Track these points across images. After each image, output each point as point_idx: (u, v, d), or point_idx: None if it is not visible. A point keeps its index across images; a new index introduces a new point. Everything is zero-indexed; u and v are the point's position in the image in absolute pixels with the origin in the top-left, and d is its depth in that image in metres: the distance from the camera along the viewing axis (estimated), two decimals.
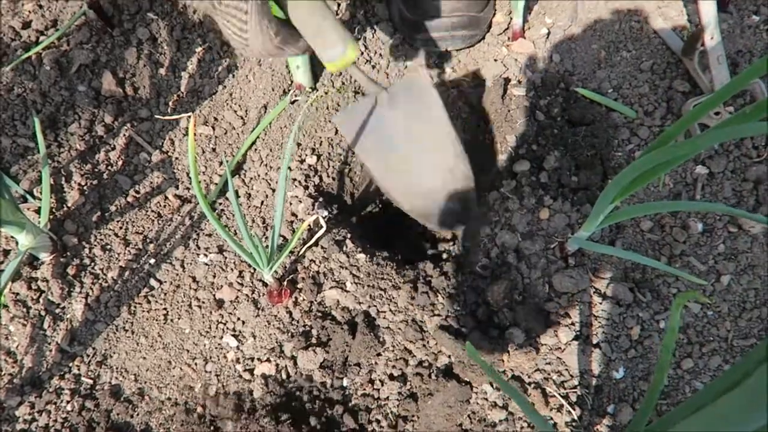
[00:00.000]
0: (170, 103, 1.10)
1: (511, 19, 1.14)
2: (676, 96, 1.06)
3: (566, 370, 0.88)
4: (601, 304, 0.91)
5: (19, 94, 1.06)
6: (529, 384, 0.87)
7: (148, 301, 0.95)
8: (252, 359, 0.91)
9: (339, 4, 1.15)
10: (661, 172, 0.70)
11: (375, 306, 0.92)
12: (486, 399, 0.87)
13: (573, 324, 0.90)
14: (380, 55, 1.16)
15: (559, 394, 0.86)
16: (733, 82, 0.60)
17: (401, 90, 0.88)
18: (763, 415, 0.41)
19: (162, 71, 1.12)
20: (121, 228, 1.00)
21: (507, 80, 1.11)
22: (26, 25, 1.12)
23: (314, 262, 0.96)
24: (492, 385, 0.87)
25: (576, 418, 0.85)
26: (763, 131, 0.54)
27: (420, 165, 0.91)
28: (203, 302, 0.95)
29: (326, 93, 1.11)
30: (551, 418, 0.85)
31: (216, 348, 0.92)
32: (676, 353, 0.91)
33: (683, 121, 0.67)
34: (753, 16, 1.12)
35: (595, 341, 0.90)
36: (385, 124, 0.89)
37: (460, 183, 0.92)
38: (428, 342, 0.90)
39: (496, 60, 1.14)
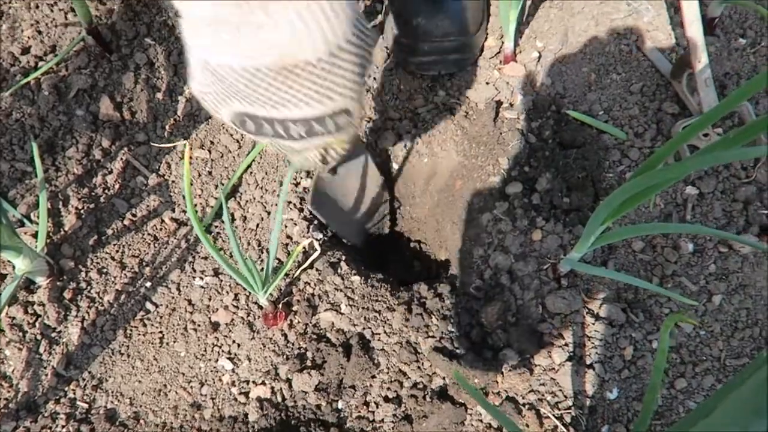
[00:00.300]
0: (167, 127, 1.12)
1: (503, 42, 1.16)
2: (666, 118, 1.08)
3: (560, 390, 0.89)
4: (593, 324, 0.92)
5: (18, 118, 1.08)
6: (524, 405, 0.88)
7: (144, 325, 0.96)
8: (247, 382, 0.91)
9: None
10: (649, 195, 0.71)
11: (370, 328, 0.93)
12: (481, 420, 0.87)
13: (566, 345, 0.91)
14: (374, 78, 1.17)
15: (554, 415, 0.87)
16: (720, 105, 0.61)
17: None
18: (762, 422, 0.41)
19: (159, 95, 1.14)
20: (117, 251, 1.01)
21: (499, 103, 1.13)
22: (25, 50, 1.14)
23: (309, 284, 0.97)
24: (485, 409, 0.87)
25: None
26: (744, 157, 0.56)
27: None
28: (199, 325, 0.96)
29: None
30: None
31: (211, 371, 0.92)
32: (669, 373, 0.92)
33: (672, 144, 0.68)
34: (740, 39, 1.15)
35: (588, 362, 0.91)
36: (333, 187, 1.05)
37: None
38: (423, 363, 0.90)
39: (488, 83, 1.16)
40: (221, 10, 0.51)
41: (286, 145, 0.68)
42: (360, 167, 1.07)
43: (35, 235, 0.98)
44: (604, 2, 1.20)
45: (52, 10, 1.17)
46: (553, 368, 0.90)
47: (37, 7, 1.17)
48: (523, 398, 0.88)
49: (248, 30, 0.52)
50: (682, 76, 1.08)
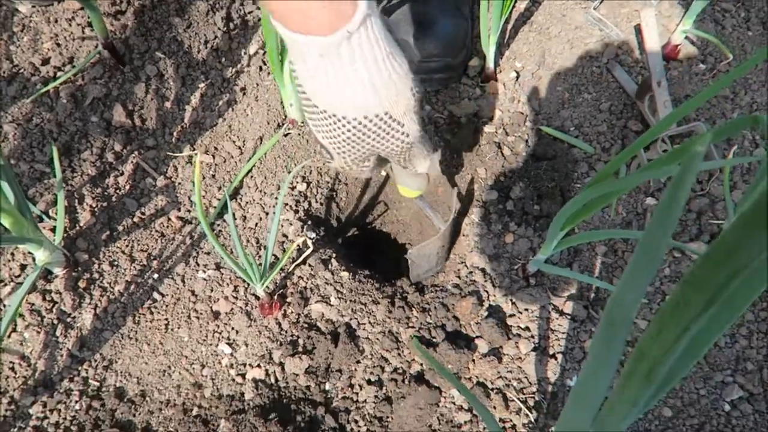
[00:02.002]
0: (174, 134, 1.22)
1: (485, 63, 1.27)
2: (630, 134, 1.19)
3: (525, 377, 0.99)
4: (558, 319, 1.02)
5: (37, 124, 1.17)
6: (492, 390, 0.98)
7: (151, 312, 1.05)
8: (244, 365, 1.01)
9: None
10: (599, 206, 0.81)
11: (356, 318, 1.03)
12: (453, 403, 0.97)
13: (532, 337, 1.01)
14: None
15: (519, 399, 0.97)
16: (665, 119, 0.70)
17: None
18: None
19: (168, 104, 1.24)
20: (127, 246, 1.11)
21: (479, 118, 1.24)
22: (45, 61, 1.24)
23: (302, 278, 1.07)
24: (459, 391, 0.97)
25: (533, 420, 0.95)
26: (671, 173, 0.66)
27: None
28: (201, 313, 1.05)
29: None
30: (510, 420, 0.95)
31: (212, 355, 1.02)
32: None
33: (622, 155, 0.78)
34: (700, 65, 1.26)
35: (551, 352, 1.01)
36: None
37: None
38: (403, 351, 1.00)
39: (469, 99, 1.26)
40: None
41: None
42: (449, 233, 1.13)
43: (53, 230, 1.08)
44: (578, 28, 1.31)
45: (70, 25, 1.27)
46: (520, 357, 0.99)
47: (56, 21, 1.27)
48: (492, 384, 0.98)
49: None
50: (645, 97, 1.18)
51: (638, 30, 1.29)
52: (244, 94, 1.27)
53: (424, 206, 1.10)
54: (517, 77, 1.28)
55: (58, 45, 1.26)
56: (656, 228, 0.36)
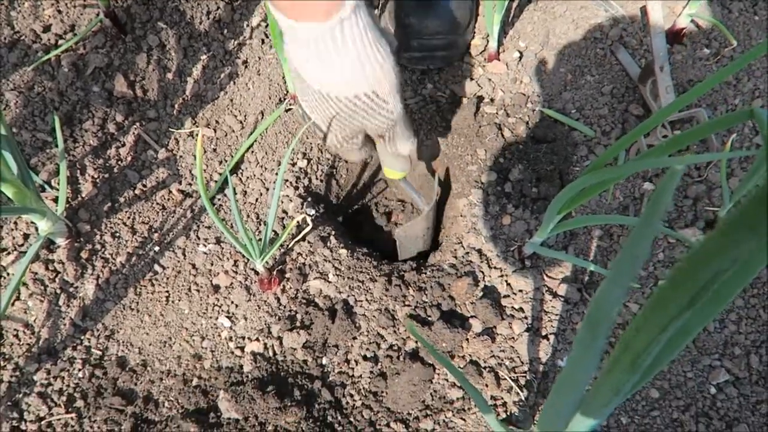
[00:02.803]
0: (176, 106, 1.22)
1: (488, 42, 1.26)
2: (631, 119, 1.19)
3: (518, 357, 1.01)
4: (551, 301, 1.04)
5: (39, 92, 1.17)
6: (485, 368, 1.00)
7: (152, 284, 1.07)
8: (243, 338, 1.03)
9: None
10: (596, 191, 0.82)
11: (353, 295, 1.05)
12: (446, 379, 0.99)
13: (526, 317, 1.03)
14: None
15: (510, 377, 0.99)
16: (667, 106, 0.71)
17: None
18: None
19: (169, 76, 1.23)
20: (129, 218, 1.12)
21: (480, 98, 1.24)
22: (46, 29, 1.23)
23: (301, 255, 1.09)
24: (448, 370, 0.99)
25: (524, 398, 0.98)
26: (665, 164, 0.67)
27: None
28: (201, 287, 1.07)
29: None
30: (502, 398, 0.98)
31: (211, 327, 1.04)
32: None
33: (622, 141, 0.79)
34: (704, 49, 1.25)
35: (544, 333, 1.03)
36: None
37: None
38: (398, 328, 1.02)
39: (471, 79, 1.26)
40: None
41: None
42: (433, 214, 1.21)
43: (55, 200, 1.09)
44: (584, 7, 1.30)
45: None
46: (513, 337, 1.02)
47: None
48: (484, 362, 1.01)
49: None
50: (648, 81, 1.18)
51: (644, 12, 1.28)
52: (246, 67, 1.26)
53: (408, 188, 1.14)
54: (521, 57, 1.28)
55: (59, 12, 1.25)
56: (634, 243, 0.37)
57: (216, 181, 1.16)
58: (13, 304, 1.02)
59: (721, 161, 1.03)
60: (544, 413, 0.66)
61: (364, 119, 0.81)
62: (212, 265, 1.09)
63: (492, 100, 1.24)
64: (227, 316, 1.04)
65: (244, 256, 1.09)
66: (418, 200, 1.16)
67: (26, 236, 1.07)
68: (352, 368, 1.01)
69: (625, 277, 0.40)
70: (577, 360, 0.52)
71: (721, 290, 0.47)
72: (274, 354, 1.02)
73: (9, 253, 1.05)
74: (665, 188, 0.32)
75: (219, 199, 1.16)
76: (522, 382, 1.00)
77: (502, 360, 1.01)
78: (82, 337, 1.02)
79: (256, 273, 1.07)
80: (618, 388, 0.52)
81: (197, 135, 1.18)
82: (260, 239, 1.01)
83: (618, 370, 0.51)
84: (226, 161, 1.18)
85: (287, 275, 1.07)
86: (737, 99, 1.20)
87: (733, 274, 0.41)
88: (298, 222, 1.09)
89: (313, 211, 1.12)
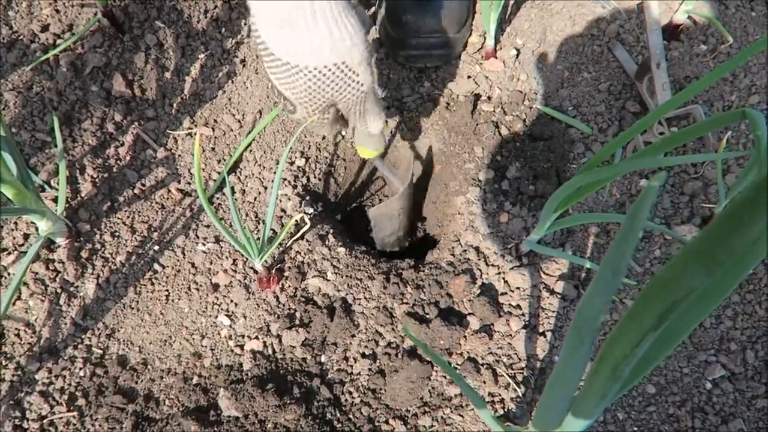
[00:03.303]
0: (174, 105, 1.22)
1: (485, 39, 1.27)
2: (628, 116, 1.20)
3: (515, 354, 1.02)
4: (548, 298, 1.05)
5: (38, 92, 1.18)
6: (482, 365, 1.01)
7: (152, 283, 1.08)
8: (242, 336, 1.04)
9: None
10: (592, 189, 0.83)
11: (352, 293, 1.06)
12: (444, 376, 1.00)
13: (523, 315, 1.04)
14: None
15: (508, 374, 1.00)
16: (659, 108, 0.72)
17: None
18: None
19: (167, 75, 1.24)
20: (128, 217, 1.13)
21: (477, 96, 1.24)
22: (44, 28, 1.23)
23: (300, 253, 1.09)
24: (443, 369, 1.00)
25: (521, 395, 0.99)
26: (658, 164, 0.68)
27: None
28: (201, 285, 1.08)
29: None
30: (499, 394, 0.99)
31: (211, 326, 1.05)
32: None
33: (619, 139, 0.79)
34: (701, 46, 1.25)
35: (541, 330, 1.04)
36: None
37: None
38: (396, 326, 1.03)
39: (469, 77, 1.26)
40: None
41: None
42: (407, 195, 1.22)
43: (55, 200, 1.09)
44: (581, 4, 1.30)
45: None
46: (510, 334, 1.03)
47: None
48: (482, 359, 1.02)
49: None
50: (644, 78, 1.18)
51: (641, 8, 1.28)
52: (244, 66, 1.26)
53: (382, 167, 1.15)
54: (518, 55, 1.28)
55: (57, 12, 1.25)
56: (615, 254, 0.38)
57: (215, 180, 1.17)
58: (14, 304, 1.03)
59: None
60: (538, 412, 0.67)
61: (334, 90, 0.81)
62: (211, 264, 1.09)
63: (489, 97, 1.24)
64: (227, 315, 1.05)
65: (243, 255, 1.09)
66: (393, 180, 1.17)
67: (26, 236, 1.07)
68: (351, 366, 1.02)
69: (608, 287, 0.40)
70: (566, 362, 0.53)
71: (683, 314, 0.48)
72: (274, 352, 1.02)
73: (9, 253, 1.05)
74: (641, 205, 0.33)
75: (218, 198, 1.16)
76: (519, 378, 1.00)
77: (500, 357, 1.02)
78: (83, 336, 1.03)
79: (255, 272, 1.08)
80: (603, 394, 0.53)
81: (195, 134, 1.18)
82: (259, 238, 1.01)
83: (601, 378, 0.51)
84: (224, 160, 1.18)
85: (286, 274, 1.07)
86: (734, 95, 1.20)
87: (699, 295, 0.42)
88: (296, 221, 1.10)
89: (311, 210, 1.13)
